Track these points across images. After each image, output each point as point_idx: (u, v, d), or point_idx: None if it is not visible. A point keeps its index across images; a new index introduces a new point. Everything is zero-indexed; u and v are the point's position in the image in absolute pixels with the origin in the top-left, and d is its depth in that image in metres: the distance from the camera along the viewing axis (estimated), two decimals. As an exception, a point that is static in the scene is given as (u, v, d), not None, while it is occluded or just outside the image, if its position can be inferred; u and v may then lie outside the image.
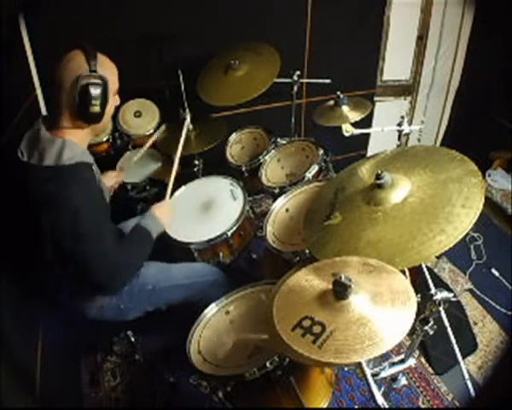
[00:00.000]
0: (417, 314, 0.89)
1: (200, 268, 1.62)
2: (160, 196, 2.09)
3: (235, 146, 2.27)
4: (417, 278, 1.46)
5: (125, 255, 1.32)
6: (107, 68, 1.25)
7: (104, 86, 1.21)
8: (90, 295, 1.41)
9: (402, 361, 1.34)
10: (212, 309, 1.39)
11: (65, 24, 1.87)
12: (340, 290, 0.90)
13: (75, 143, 1.24)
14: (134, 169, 2.15)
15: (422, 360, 1.87)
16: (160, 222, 1.48)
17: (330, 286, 0.92)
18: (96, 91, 1.19)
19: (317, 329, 0.87)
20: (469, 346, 1.91)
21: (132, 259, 1.36)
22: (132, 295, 1.44)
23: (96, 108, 1.22)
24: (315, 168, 1.82)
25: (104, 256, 1.24)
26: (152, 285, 1.48)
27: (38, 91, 1.93)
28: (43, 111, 1.95)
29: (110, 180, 1.71)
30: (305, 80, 2.41)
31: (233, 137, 2.29)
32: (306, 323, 0.89)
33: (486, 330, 2.00)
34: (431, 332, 1.16)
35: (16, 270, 1.41)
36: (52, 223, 1.18)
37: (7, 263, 1.34)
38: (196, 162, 2.24)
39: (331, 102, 1.91)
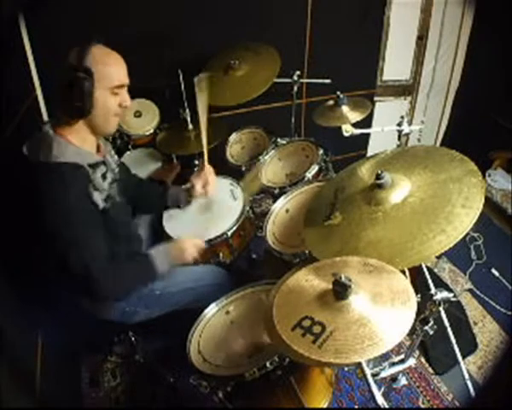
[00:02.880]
0: (417, 314, 0.89)
1: (206, 271, 1.61)
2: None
3: (235, 146, 2.27)
4: (417, 278, 1.46)
5: (116, 274, 1.27)
6: (101, 62, 1.21)
7: (87, 80, 1.18)
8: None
9: (402, 361, 1.34)
10: (212, 309, 1.39)
11: (65, 24, 1.87)
12: (340, 290, 0.90)
13: (68, 140, 1.24)
14: (134, 169, 2.15)
15: (422, 360, 1.87)
16: (174, 263, 1.41)
17: (330, 286, 0.92)
18: (77, 85, 1.17)
19: (316, 329, 0.87)
20: (469, 346, 1.91)
21: (123, 283, 1.31)
22: (140, 299, 1.43)
23: (78, 103, 1.19)
24: (315, 168, 1.82)
25: (77, 262, 1.20)
26: (160, 290, 1.47)
27: (38, 91, 1.93)
28: (44, 111, 1.95)
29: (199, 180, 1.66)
30: (305, 80, 2.41)
31: (233, 137, 2.29)
32: (306, 323, 0.89)
33: (486, 330, 2.00)
34: (431, 332, 1.15)
35: (16, 268, 1.41)
36: (39, 219, 1.19)
37: (6, 261, 1.34)
38: (196, 162, 2.24)
39: (331, 102, 1.90)
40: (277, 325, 0.92)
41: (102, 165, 1.34)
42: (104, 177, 1.33)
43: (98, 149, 1.39)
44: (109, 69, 1.23)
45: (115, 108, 1.29)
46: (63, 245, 1.20)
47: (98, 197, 1.28)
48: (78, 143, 1.27)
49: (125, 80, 1.29)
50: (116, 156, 1.53)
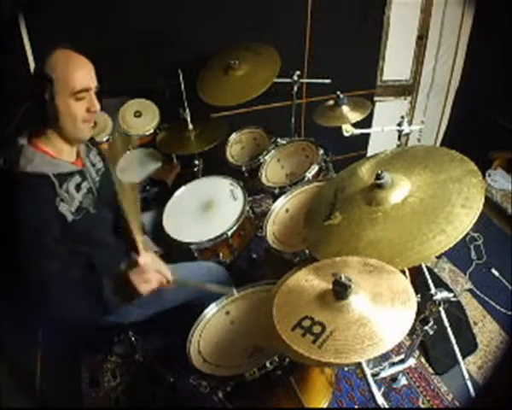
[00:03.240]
0: (417, 314, 0.89)
1: (204, 268, 1.60)
2: (159, 196, 2.10)
3: (235, 146, 2.27)
4: (417, 278, 1.46)
5: (60, 295, 1.19)
6: (61, 68, 1.16)
7: (47, 87, 1.14)
8: None
9: (402, 361, 1.34)
10: (212, 309, 1.39)
11: (65, 24, 1.87)
12: (340, 290, 0.90)
13: (43, 150, 1.21)
14: (134, 169, 2.15)
15: (422, 360, 1.87)
16: (127, 296, 1.23)
17: (330, 286, 0.92)
18: (37, 93, 1.14)
19: (316, 329, 0.87)
20: (469, 346, 1.91)
21: (66, 304, 1.21)
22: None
23: (40, 112, 1.17)
24: (315, 168, 1.82)
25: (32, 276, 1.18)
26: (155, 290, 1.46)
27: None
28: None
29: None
30: (305, 80, 2.41)
31: (233, 137, 2.29)
32: (306, 323, 0.89)
33: (486, 330, 2.00)
34: (431, 332, 1.16)
35: (15, 268, 1.41)
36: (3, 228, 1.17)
37: (5, 261, 1.34)
38: (196, 162, 2.24)
39: (331, 102, 1.91)
40: (277, 325, 0.92)
41: (78, 175, 1.30)
42: (78, 187, 1.30)
43: (78, 156, 1.35)
44: (70, 74, 1.17)
45: (83, 114, 1.22)
46: (19, 255, 1.18)
47: (66, 209, 1.23)
48: (54, 153, 1.24)
49: (90, 84, 1.22)
50: (102, 163, 1.48)
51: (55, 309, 1.22)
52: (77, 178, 1.30)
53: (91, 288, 1.27)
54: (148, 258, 1.21)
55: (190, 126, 2.09)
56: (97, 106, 1.25)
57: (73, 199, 1.27)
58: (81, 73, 1.20)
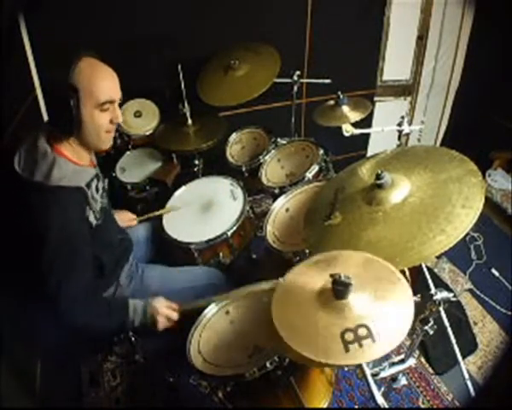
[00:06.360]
0: (417, 314, 0.89)
1: (202, 272, 1.60)
2: (159, 196, 2.10)
3: (235, 146, 2.27)
4: (417, 278, 1.46)
5: (86, 310, 1.22)
6: (87, 78, 1.15)
7: (73, 97, 1.13)
8: None
9: (402, 361, 1.34)
10: (212, 309, 1.39)
11: (65, 24, 1.87)
12: (341, 289, 0.90)
13: (67, 157, 1.20)
14: (134, 169, 2.15)
15: (422, 360, 1.87)
16: (152, 323, 1.34)
17: (328, 286, 0.92)
18: (63, 103, 1.13)
19: (362, 331, 0.84)
20: (469, 346, 1.91)
21: (90, 319, 1.24)
22: (133, 298, 1.41)
23: (61, 119, 1.15)
24: (315, 168, 1.82)
25: (61, 290, 1.16)
26: (154, 291, 1.46)
27: (38, 91, 1.93)
28: (44, 111, 1.94)
29: (122, 223, 1.64)
30: (305, 80, 2.41)
31: (233, 137, 2.29)
32: (349, 336, 0.84)
33: (486, 330, 2.00)
34: (431, 332, 1.15)
35: (16, 269, 1.41)
36: (25, 239, 1.16)
37: (6, 262, 1.34)
38: (196, 162, 2.24)
39: (331, 102, 1.91)
40: (329, 359, 0.84)
41: (95, 177, 1.31)
42: (97, 189, 1.31)
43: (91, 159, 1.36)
44: (96, 85, 1.16)
45: (106, 125, 1.23)
46: (46, 269, 1.15)
47: (92, 216, 1.25)
48: (75, 159, 1.23)
49: (115, 96, 1.22)
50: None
51: (78, 321, 1.22)
52: (95, 181, 1.30)
53: (119, 305, 1.31)
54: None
55: (189, 121, 2.09)
56: (120, 117, 1.25)
57: (96, 202, 1.28)
58: (106, 85, 1.19)
